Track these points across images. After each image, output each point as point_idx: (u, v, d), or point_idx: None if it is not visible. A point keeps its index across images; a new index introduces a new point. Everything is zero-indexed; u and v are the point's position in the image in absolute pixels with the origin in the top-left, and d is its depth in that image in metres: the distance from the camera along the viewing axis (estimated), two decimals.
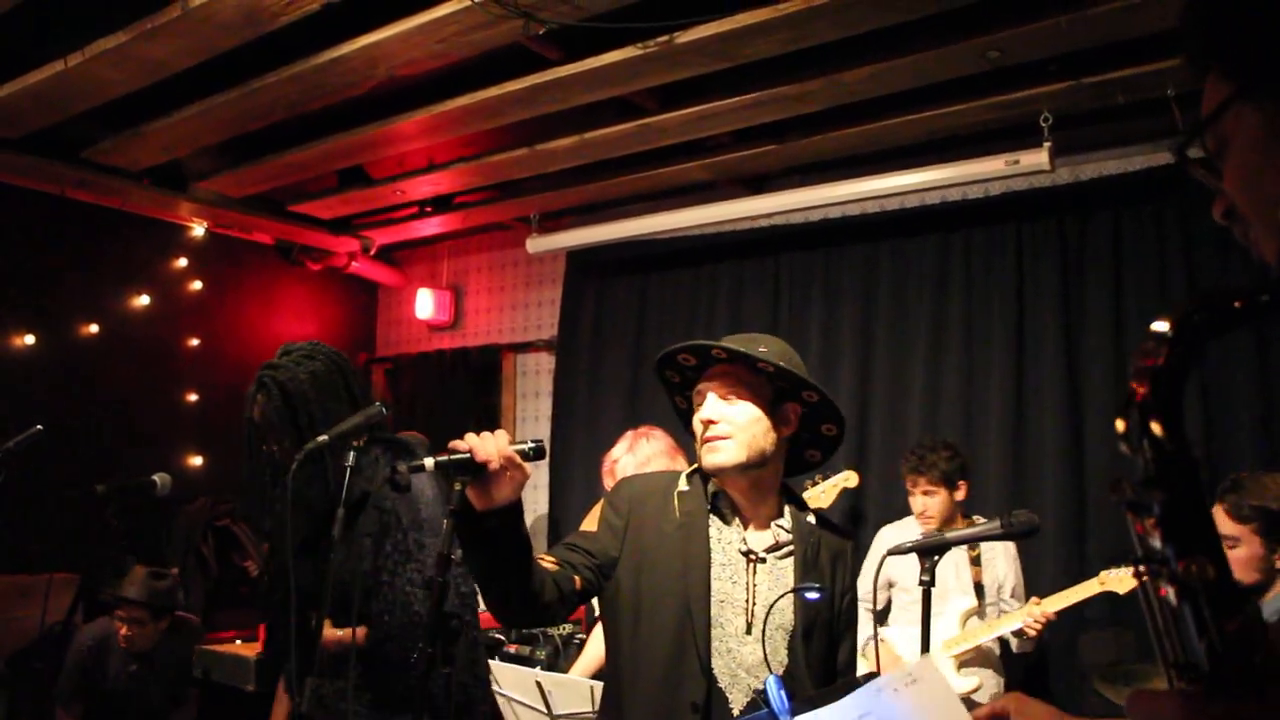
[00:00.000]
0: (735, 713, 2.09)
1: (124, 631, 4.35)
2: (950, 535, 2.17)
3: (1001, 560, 4.14)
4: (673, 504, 2.23)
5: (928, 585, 2.12)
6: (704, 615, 2.12)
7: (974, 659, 4.04)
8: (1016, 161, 4.42)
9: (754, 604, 2.15)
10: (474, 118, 4.65)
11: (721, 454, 2.15)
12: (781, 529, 2.22)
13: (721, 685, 2.11)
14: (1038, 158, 4.36)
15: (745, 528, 2.22)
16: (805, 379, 2.18)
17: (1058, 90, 4.17)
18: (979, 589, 4.11)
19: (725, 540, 2.20)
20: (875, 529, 5.11)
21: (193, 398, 6.50)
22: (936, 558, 2.13)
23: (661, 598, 2.14)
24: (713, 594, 2.14)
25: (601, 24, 3.64)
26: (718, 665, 2.11)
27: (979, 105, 4.35)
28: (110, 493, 3.22)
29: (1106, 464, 4.64)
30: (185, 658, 4.70)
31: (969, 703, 3.97)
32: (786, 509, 2.27)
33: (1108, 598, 4.37)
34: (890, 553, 2.24)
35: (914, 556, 2.19)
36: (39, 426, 3.49)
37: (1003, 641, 4.08)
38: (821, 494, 4.51)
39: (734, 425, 2.14)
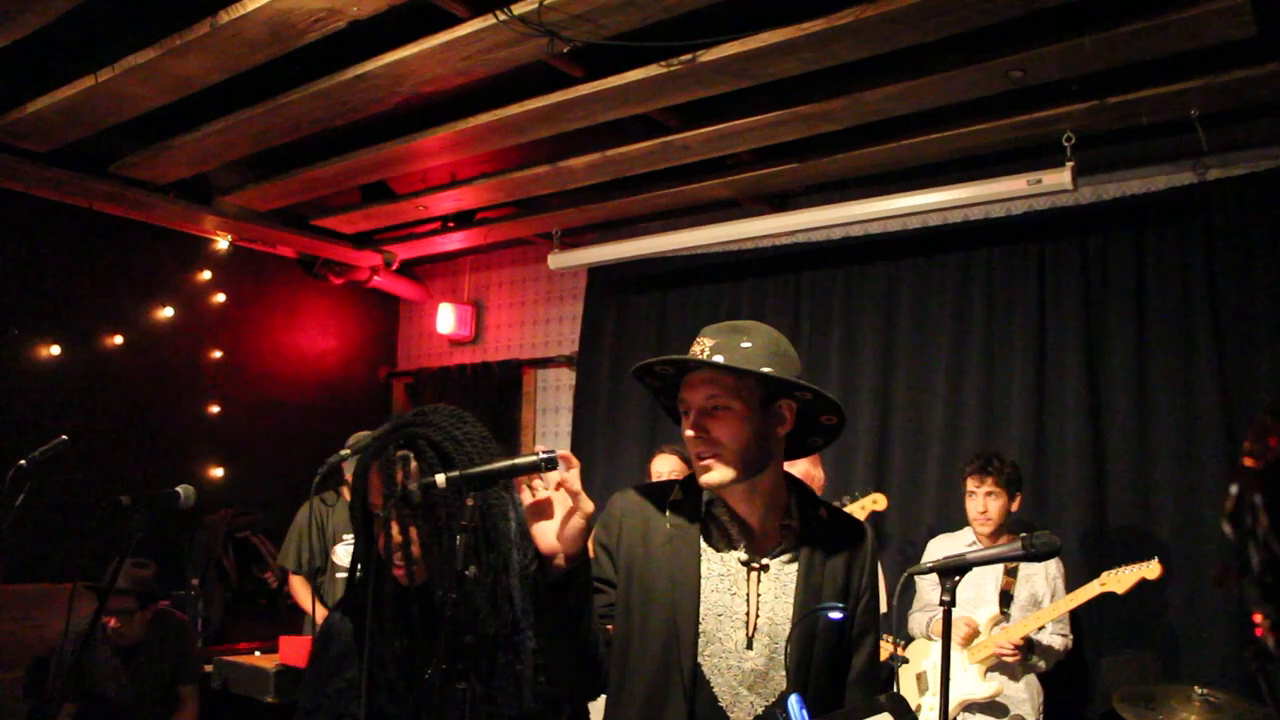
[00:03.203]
0: None
1: (113, 624, 4.33)
2: (972, 556, 2.15)
3: (1040, 579, 4.17)
4: (664, 516, 2.10)
5: (948, 605, 2.10)
6: (691, 634, 1.99)
7: (999, 665, 4.07)
8: (1039, 181, 4.41)
9: (756, 616, 2.02)
10: (497, 134, 4.68)
11: (714, 474, 2.00)
12: (788, 530, 2.09)
13: (723, 704, 1.98)
14: (1060, 177, 4.35)
15: (747, 534, 2.07)
16: (792, 380, 2.00)
17: (1081, 110, 4.16)
18: (1007, 598, 4.16)
19: (723, 550, 2.06)
20: (896, 545, 5.11)
21: (215, 410, 6.55)
22: (958, 578, 2.12)
23: (650, 618, 2.02)
24: (709, 608, 2.01)
25: (625, 42, 3.66)
26: (717, 683, 1.99)
27: (1002, 125, 4.35)
28: (135, 504, 3.23)
29: (1127, 482, 4.63)
30: (180, 654, 4.63)
31: (995, 706, 3.99)
32: (794, 506, 2.12)
33: (1130, 619, 4.35)
34: (911, 572, 2.23)
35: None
36: (64, 437, 3.51)
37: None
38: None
39: (721, 443, 1.99)
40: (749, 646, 2.00)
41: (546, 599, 1.84)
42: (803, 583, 2.03)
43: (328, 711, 2.01)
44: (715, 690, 1.98)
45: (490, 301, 7.32)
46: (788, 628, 2.01)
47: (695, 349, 2.01)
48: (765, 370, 1.97)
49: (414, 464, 1.94)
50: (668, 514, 2.10)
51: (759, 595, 2.03)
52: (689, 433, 2.02)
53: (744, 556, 2.05)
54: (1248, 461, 0.77)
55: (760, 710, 1.98)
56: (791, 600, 2.03)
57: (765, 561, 2.05)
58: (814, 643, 2.01)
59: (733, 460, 1.99)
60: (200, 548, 6.10)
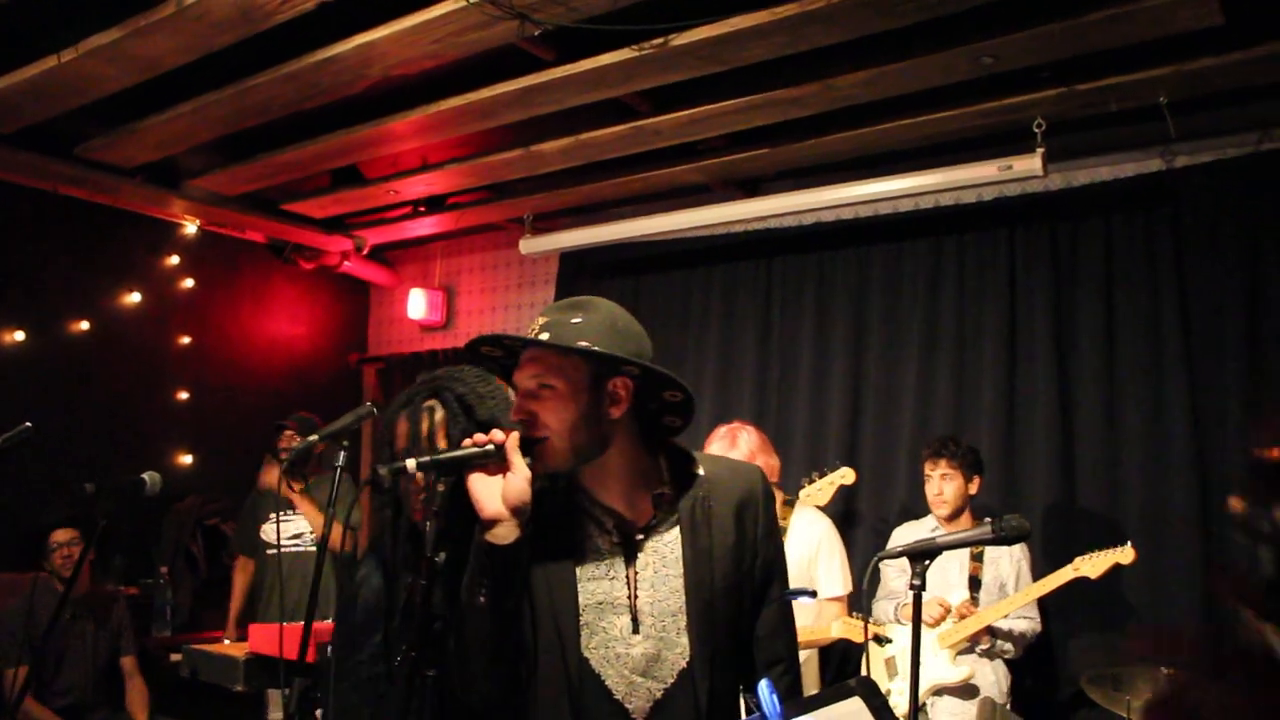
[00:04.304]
0: None
1: (59, 562, 4.65)
2: (941, 540, 2.16)
3: (1005, 562, 4.21)
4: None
5: (918, 589, 2.12)
6: (572, 630, 1.87)
7: (968, 649, 4.11)
8: (1009, 167, 4.43)
9: (637, 597, 1.89)
10: (468, 118, 4.65)
11: (546, 458, 1.87)
12: (661, 499, 1.94)
13: (618, 697, 1.86)
14: (1030, 163, 4.37)
15: (614, 514, 1.94)
16: (613, 356, 1.85)
17: (1051, 96, 4.18)
18: (976, 583, 4.20)
19: (595, 535, 1.93)
20: (869, 528, 5.14)
21: (183, 396, 6.49)
22: (927, 562, 2.13)
23: (536, 620, 1.90)
24: (588, 598, 1.89)
25: (596, 26, 3.64)
26: (608, 675, 1.87)
27: (972, 110, 4.36)
28: (99, 491, 3.20)
29: (1096, 466, 4.67)
30: (117, 624, 4.97)
31: (964, 688, 4.02)
32: (666, 471, 1.98)
33: (1098, 601, 4.40)
34: (880, 558, 2.24)
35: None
36: (28, 424, 3.47)
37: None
38: (818, 490, 4.51)
39: (547, 426, 1.84)
40: (635, 631, 1.88)
41: (499, 571, 1.82)
42: (689, 549, 1.91)
43: (360, 674, 2.04)
44: (608, 684, 1.87)
45: (461, 287, 7.29)
46: (678, 602, 1.90)
47: (530, 328, 1.91)
48: (582, 344, 1.83)
49: (439, 414, 2.08)
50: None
51: (637, 575, 1.91)
52: (512, 413, 1.91)
53: (616, 538, 1.93)
54: (1266, 453, 0.72)
55: (659, 695, 1.87)
56: (679, 571, 1.91)
57: (639, 539, 1.93)
58: (714, 608, 1.91)
59: (560, 445, 1.85)
60: (169, 535, 6.06)
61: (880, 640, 4.12)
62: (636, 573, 1.91)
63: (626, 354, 1.86)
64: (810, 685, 4.06)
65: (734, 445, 3.98)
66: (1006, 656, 4.14)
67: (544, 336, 1.85)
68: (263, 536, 5.33)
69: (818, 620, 4.05)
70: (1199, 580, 4.31)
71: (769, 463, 4.02)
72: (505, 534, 1.82)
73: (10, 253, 5.75)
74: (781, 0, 3.56)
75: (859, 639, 4.04)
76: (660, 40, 3.82)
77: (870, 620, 4.30)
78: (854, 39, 3.76)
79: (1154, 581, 4.40)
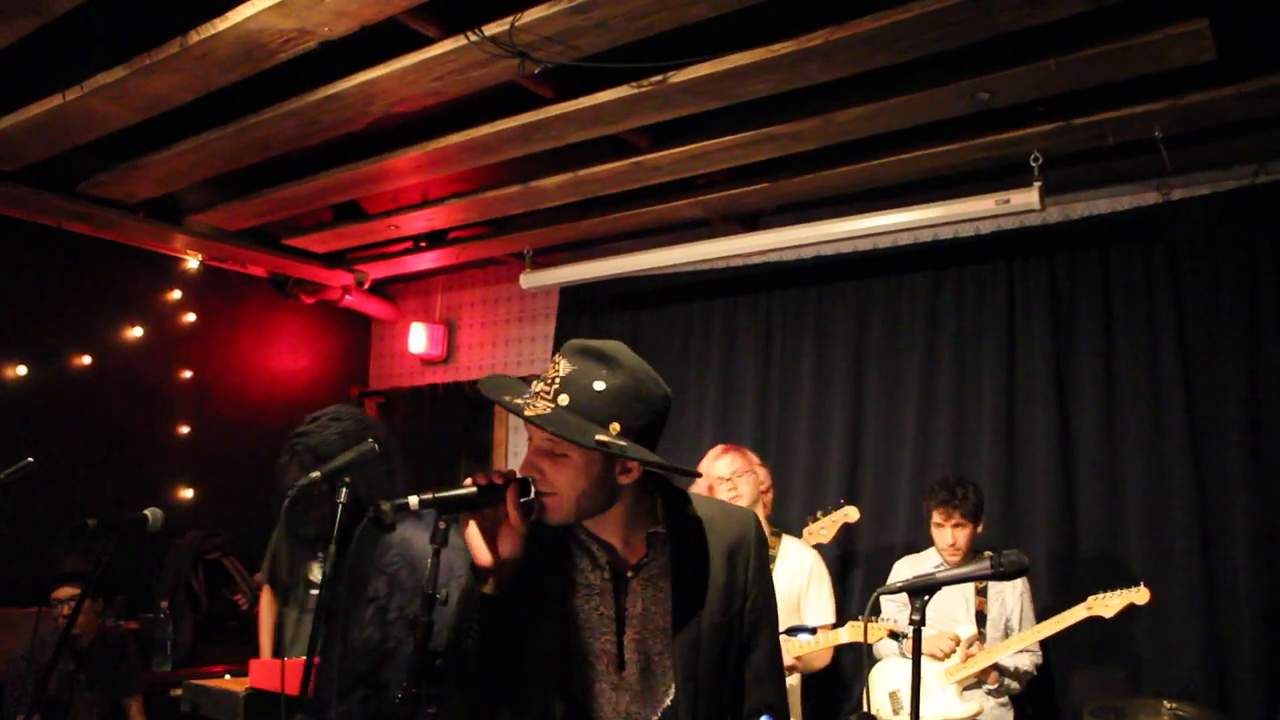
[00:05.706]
0: None
1: (64, 611, 4.55)
2: (941, 575, 2.16)
3: (1010, 595, 4.21)
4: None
5: (918, 625, 2.12)
6: (559, 661, 1.90)
7: (975, 685, 4.09)
8: (1007, 201, 4.45)
9: (624, 633, 1.92)
10: (469, 154, 4.68)
11: (549, 513, 1.85)
12: (655, 538, 1.95)
13: None
14: (1028, 197, 4.39)
15: (610, 550, 1.94)
16: (628, 455, 1.80)
17: (1047, 131, 4.21)
18: (981, 618, 4.19)
19: (588, 570, 1.95)
20: (868, 564, 5.12)
21: (185, 430, 6.50)
22: (927, 597, 2.14)
23: (524, 650, 1.92)
24: (577, 631, 1.92)
25: (596, 64, 3.68)
26: (594, 712, 1.90)
27: (970, 145, 4.39)
28: (102, 527, 3.20)
29: (1096, 499, 4.66)
30: (125, 667, 5.00)
31: None
32: (660, 511, 1.97)
33: (1100, 634, 4.38)
34: (881, 592, 2.24)
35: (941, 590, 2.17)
36: (30, 459, 3.47)
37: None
38: (822, 530, 4.50)
39: (556, 487, 1.83)
40: (621, 665, 1.91)
41: (487, 618, 1.84)
42: (679, 589, 1.92)
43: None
44: (594, 716, 1.90)
45: (462, 321, 7.31)
46: (664, 640, 1.91)
47: (550, 371, 1.85)
48: (601, 439, 1.77)
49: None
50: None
51: (627, 611, 1.93)
52: (523, 470, 1.88)
53: (607, 574, 1.94)
54: None
55: None
56: (667, 610, 1.92)
57: (629, 576, 1.94)
58: (699, 647, 1.91)
59: (568, 503, 1.84)
60: (169, 570, 6.04)
61: (896, 636, 4.15)
62: (625, 610, 1.92)
63: (647, 425, 1.85)
64: (793, 712, 4.05)
65: (742, 455, 4.12)
66: (1012, 692, 4.13)
67: (563, 400, 1.80)
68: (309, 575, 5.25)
69: (804, 646, 4.04)
70: (1201, 611, 4.29)
71: (758, 474, 4.18)
72: (496, 583, 1.84)
73: (14, 287, 5.77)
74: (780, 37, 3.59)
75: (873, 638, 4.13)
76: (659, 77, 3.85)
77: (875, 616, 4.28)
78: (852, 75, 3.80)
79: (1156, 612, 4.38)
